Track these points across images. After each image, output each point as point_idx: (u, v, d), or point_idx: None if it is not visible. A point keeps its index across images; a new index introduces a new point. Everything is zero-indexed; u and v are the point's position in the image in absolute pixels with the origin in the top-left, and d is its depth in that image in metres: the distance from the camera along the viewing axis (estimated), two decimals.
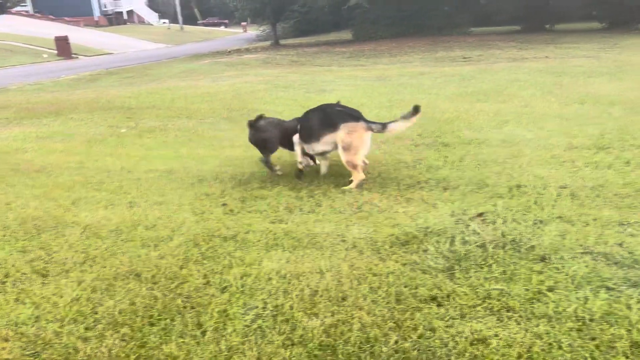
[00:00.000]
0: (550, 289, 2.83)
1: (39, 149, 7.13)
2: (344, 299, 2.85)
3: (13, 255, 3.60)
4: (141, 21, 72.71)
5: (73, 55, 33.98)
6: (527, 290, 2.83)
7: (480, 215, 3.89)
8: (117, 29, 57.87)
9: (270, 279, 3.10)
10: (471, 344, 2.42)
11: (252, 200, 4.54)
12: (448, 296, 2.82)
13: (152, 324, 2.71)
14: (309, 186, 4.81)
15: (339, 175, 5.04)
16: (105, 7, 66.20)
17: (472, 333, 2.49)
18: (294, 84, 13.17)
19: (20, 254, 3.62)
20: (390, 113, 7.67)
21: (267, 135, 5.21)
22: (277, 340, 2.52)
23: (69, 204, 4.65)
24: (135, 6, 73.12)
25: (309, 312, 2.75)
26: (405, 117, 4.68)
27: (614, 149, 5.45)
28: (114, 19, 66.60)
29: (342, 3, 29.90)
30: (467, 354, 2.36)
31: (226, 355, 2.45)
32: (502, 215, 3.87)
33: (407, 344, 2.44)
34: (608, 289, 2.81)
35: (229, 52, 31.21)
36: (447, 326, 2.56)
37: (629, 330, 2.45)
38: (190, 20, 77.23)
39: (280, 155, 5.62)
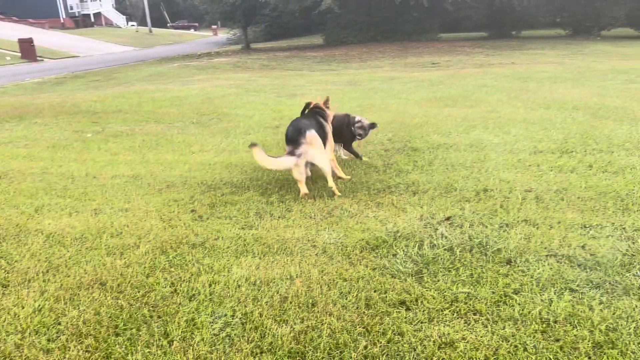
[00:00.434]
0: (516, 292, 2.88)
1: (1, 155, 6.91)
2: (313, 304, 2.85)
3: None
4: (109, 24, 71.42)
5: (38, 58, 33.15)
6: (493, 293, 2.88)
7: (448, 219, 3.95)
8: (83, 32, 56.73)
9: (239, 286, 3.07)
10: (439, 348, 2.45)
11: (221, 205, 4.49)
12: (416, 300, 2.84)
13: (117, 334, 2.65)
14: (279, 191, 4.80)
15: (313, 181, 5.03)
16: (71, 8, 64.76)
17: (439, 337, 2.52)
18: (265, 88, 13.14)
19: None
20: None
21: None
22: (246, 349, 2.50)
23: (32, 211, 4.52)
24: (103, 8, 71.85)
25: (278, 319, 2.73)
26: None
27: (577, 153, 5.60)
28: (81, 21, 65.28)
29: (313, 8, 29.99)
30: (434, 358, 2.38)
31: None
32: (469, 219, 3.93)
33: (376, 349, 2.45)
34: (571, 290, 2.88)
35: (199, 55, 30.94)
36: (415, 330, 2.59)
37: (591, 332, 2.51)
38: (159, 23, 76.40)
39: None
